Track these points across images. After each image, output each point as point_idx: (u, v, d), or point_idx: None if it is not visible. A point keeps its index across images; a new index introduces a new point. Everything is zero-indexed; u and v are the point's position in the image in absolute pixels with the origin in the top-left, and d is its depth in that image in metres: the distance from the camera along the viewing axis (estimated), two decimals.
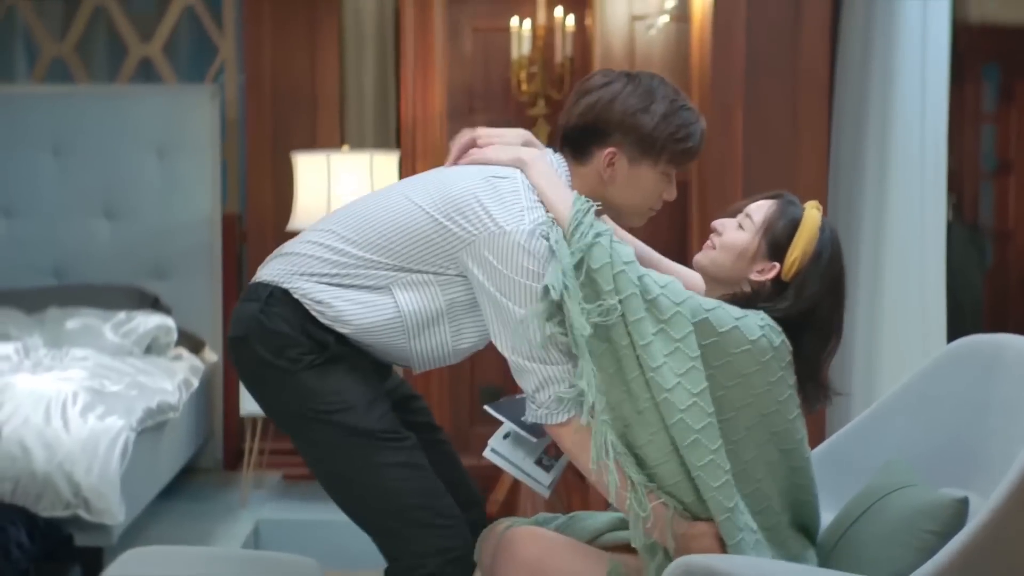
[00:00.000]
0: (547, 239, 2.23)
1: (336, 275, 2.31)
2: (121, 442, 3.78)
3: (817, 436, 4.29)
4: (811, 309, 2.39)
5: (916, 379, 2.97)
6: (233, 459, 5.37)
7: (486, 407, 2.72)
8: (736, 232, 2.41)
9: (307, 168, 4.75)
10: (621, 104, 2.31)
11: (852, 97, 4.44)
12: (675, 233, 4.62)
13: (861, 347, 4.32)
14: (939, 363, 2.93)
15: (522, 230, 2.21)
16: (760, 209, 2.43)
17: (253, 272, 5.19)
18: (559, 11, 5.11)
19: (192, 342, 5.08)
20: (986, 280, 6.64)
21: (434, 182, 2.36)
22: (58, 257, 5.29)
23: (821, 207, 2.46)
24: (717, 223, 2.47)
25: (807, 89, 4.30)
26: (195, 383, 4.72)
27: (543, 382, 2.21)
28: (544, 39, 5.13)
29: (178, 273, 5.27)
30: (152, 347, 4.77)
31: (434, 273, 2.28)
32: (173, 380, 4.49)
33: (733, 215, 2.49)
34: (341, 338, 2.32)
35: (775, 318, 2.35)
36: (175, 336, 4.84)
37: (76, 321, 4.73)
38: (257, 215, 5.36)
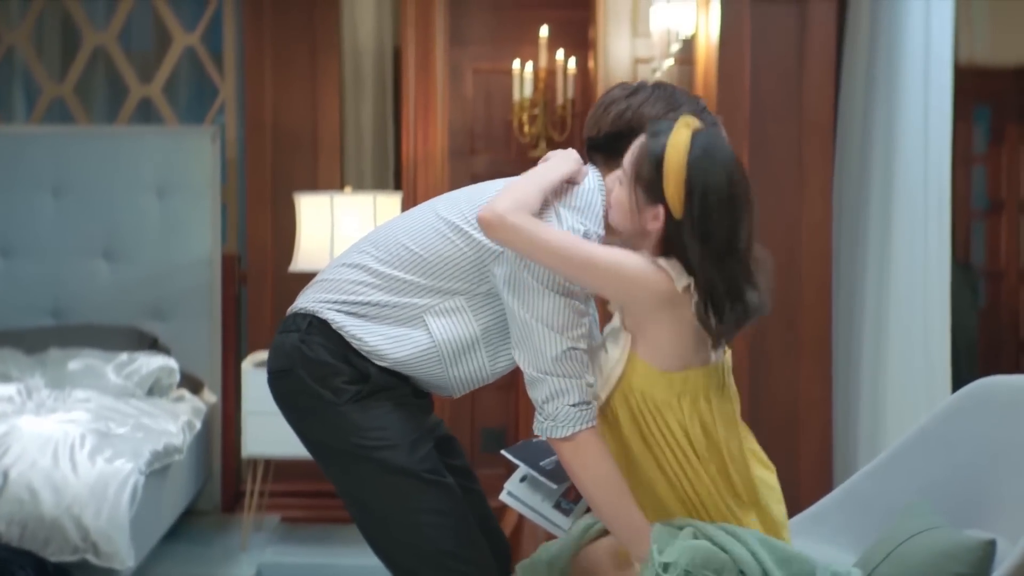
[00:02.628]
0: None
1: (369, 305, 2.31)
2: (130, 485, 3.74)
3: (824, 480, 4.32)
4: (710, 233, 2.16)
5: (934, 420, 2.98)
6: (231, 501, 5.33)
7: (503, 452, 2.71)
8: (618, 188, 2.26)
9: (310, 209, 4.75)
10: (651, 108, 2.29)
11: (855, 140, 4.48)
12: None
13: (867, 388, 4.33)
14: (956, 404, 2.94)
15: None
16: (629, 154, 2.24)
17: (253, 313, 5.27)
18: (560, 54, 5.14)
19: (191, 383, 5.05)
20: (979, 320, 6.68)
21: (464, 196, 2.37)
22: (57, 297, 5.27)
23: (693, 122, 2.19)
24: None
25: (811, 132, 4.35)
26: (198, 425, 4.69)
27: (554, 393, 2.19)
28: (546, 81, 5.16)
29: (177, 314, 5.25)
30: (154, 388, 4.74)
31: (466, 296, 2.28)
32: (177, 422, 4.46)
33: None
34: (382, 368, 2.32)
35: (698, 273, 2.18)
36: (177, 377, 4.82)
37: (78, 362, 4.70)
38: (256, 256, 5.35)
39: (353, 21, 5.34)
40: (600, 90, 4.69)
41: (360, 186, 5.39)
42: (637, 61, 4.65)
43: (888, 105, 4.28)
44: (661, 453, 2.25)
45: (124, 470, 3.77)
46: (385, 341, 2.29)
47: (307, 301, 2.37)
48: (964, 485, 2.82)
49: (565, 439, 2.20)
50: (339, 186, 5.29)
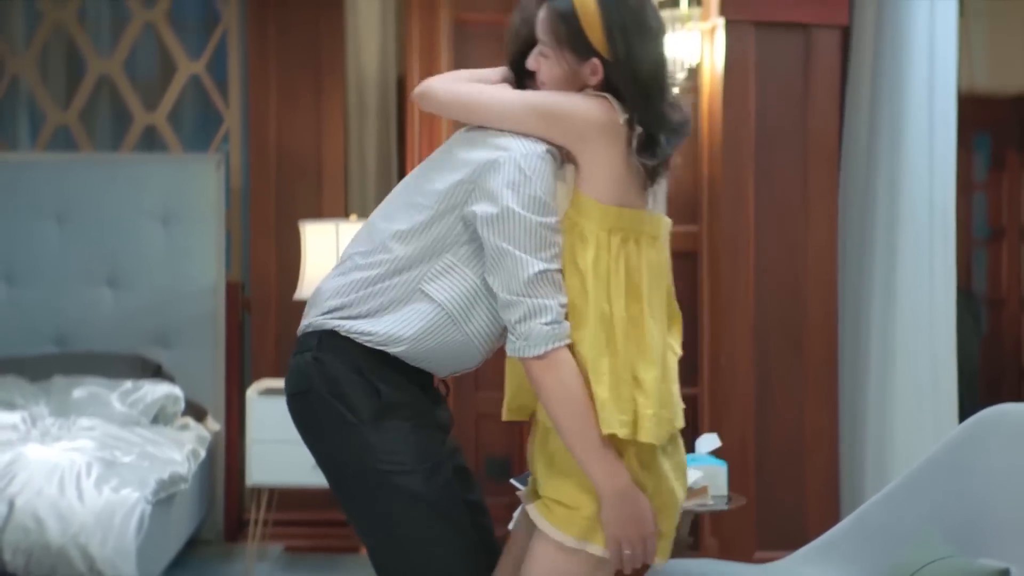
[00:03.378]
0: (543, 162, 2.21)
1: (369, 298, 2.30)
2: (137, 514, 3.73)
3: (830, 508, 4.31)
4: (640, 62, 2.17)
5: (944, 449, 2.98)
6: (234, 530, 5.31)
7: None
8: (545, 66, 2.25)
9: (315, 237, 4.76)
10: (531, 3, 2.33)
11: (860, 166, 4.50)
12: (685, 304, 4.63)
13: (873, 415, 4.34)
14: (966, 433, 2.95)
15: (512, 156, 2.21)
16: (540, 27, 2.24)
17: (256, 341, 5.27)
18: None
19: (195, 411, 5.04)
20: (981, 347, 6.69)
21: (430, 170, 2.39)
22: (60, 325, 5.26)
23: None
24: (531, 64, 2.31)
25: (816, 159, 4.36)
26: (202, 453, 4.68)
27: (528, 314, 2.17)
28: None
29: (181, 341, 5.25)
30: (159, 416, 4.73)
31: (452, 251, 2.27)
32: (182, 450, 4.45)
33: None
34: (395, 383, 2.31)
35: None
36: (182, 405, 4.81)
37: (83, 390, 4.70)
38: (260, 284, 5.35)
39: (357, 50, 5.36)
40: None
41: (364, 214, 5.39)
42: None
43: (893, 132, 4.30)
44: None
45: (131, 499, 3.76)
46: (394, 325, 2.28)
47: (311, 318, 2.37)
48: (975, 513, 2.81)
49: (538, 357, 2.16)
50: (343, 214, 5.30)
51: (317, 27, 5.34)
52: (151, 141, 5.56)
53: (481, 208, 2.21)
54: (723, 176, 4.30)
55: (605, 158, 2.18)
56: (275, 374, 5.28)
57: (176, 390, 4.81)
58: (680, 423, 2.27)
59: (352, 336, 2.29)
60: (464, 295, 2.29)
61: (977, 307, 6.75)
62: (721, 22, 4.30)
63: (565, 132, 2.19)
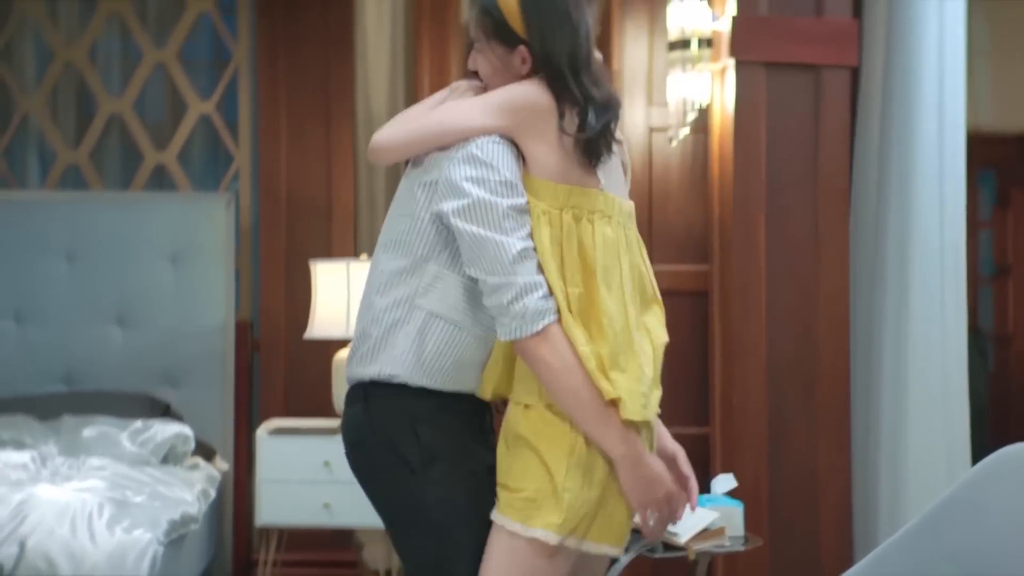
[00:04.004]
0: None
1: (385, 333, 2.32)
2: (149, 555, 3.71)
3: (844, 550, 4.29)
4: (561, 40, 2.27)
5: (961, 488, 2.96)
6: (242, 571, 5.28)
7: None
8: (481, 62, 2.34)
9: (326, 276, 4.76)
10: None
11: (870, 206, 4.51)
12: (697, 345, 4.64)
13: (886, 456, 4.32)
14: (984, 472, 2.93)
15: (467, 148, 2.26)
16: (472, 26, 2.35)
17: (265, 380, 5.26)
18: None
19: (204, 450, 5.03)
20: (989, 384, 6.69)
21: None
22: (69, 363, 5.25)
23: None
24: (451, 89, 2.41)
25: (827, 200, 4.37)
26: (212, 493, 4.66)
27: (521, 292, 2.18)
28: None
29: (189, 381, 5.24)
30: (169, 456, 4.72)
31: (435, 259, 2.28)
32: (192, 491, 4.43)
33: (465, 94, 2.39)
34: (441, 425, 2.30)
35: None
36: (192, 445, 4.79)
37: (92, 429, 4.68)
38: (269, 323, 5.35)
39: (367, 90, 5.39)
40: None
41: (372, 254, 5.39)
42: (652, 130, 4.69)
43: (903, 171, 4.31)
44: None
45: (143, 540, 3.74)
46: (411, 352, 2.29)
47: (351, 368, 2.39)
48: (994, 555, 2.80)
49: (537, 334, 2.18)
50: (353, 253, 5.31)
51: (327, 66, 5.37)
52: (160, 180, 5.57)
53: (449, 204, 2.24)
54: (734, 216, 4.30)
55: (546, 137, 2.25)
56: (284, 414, 5.28)
57: (186, 430, 4.79)
58: (645, 414, 2.24)
59: (386, 381, 2.30)
60: (459, 298, 2.30)
61: (984, 344, 6.76)
62: (731, 63, 4.32)
63: (510, 119, 2.26)
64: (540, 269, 2.23)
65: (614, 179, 2.35)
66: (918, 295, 4.27)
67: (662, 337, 2.36)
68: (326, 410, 5.08)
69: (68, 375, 5.26)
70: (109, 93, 5.54)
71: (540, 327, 2.18)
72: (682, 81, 4.41)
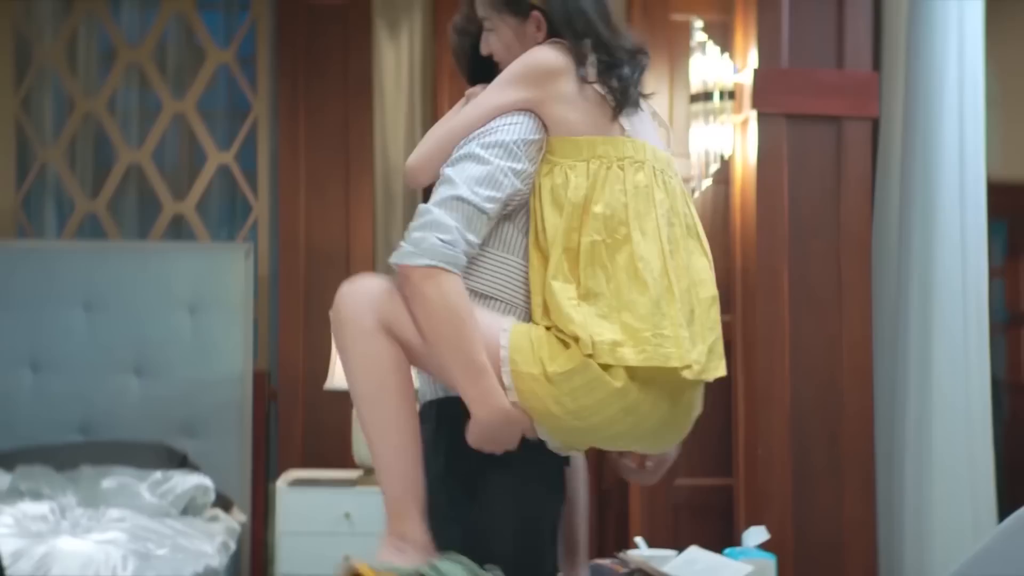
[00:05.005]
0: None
1: None
2: None
3: None
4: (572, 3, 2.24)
5: (997, 539, 2.95)
6: None
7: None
8: (494, 40, 2.29)
9: None
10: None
11: (891, 256, 4.52)
12: (718, 394, 4.63)
13: (910, 507, 4.30)
14: (1020, 523, 2.92)
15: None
16: (478, 5, 2.31)
17: (283, 430, 5.24)
18: None
19: (222, 501, 5.00)
20: (1004, 432, 6.67)
21: None
22: (85, 413, 5.24)
23: None
24: (468, 96, 2.33)
25: (849, 249, 4.38)
26: (232, 546, 4.63)
27: (429, 224, 2.07)
28: None
29: (207, 430, 5.23)
30: (188, 508, 4.69)
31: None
32: (213, 543, 4.41)
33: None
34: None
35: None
36: (212, 496, 4.77)
37: (111, 480, 4.66)
38: (288, 373, 5.35)
39: (384, 140, 5.42)
40: None
41: None
42: None
43: (924, 221, 4.31)
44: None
45: None
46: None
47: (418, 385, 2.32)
48: None
49: (419, 267, 2.05)
50: None
51: (346, 116, 5.40)
52: (179, 230, 5.58)
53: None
54: (757, 266, 4.31)
55: (565, 96, 2.19)
56: (301, 464, 5.26)
57: (206, 481, 4.77)
58: (682, 361, 2.11)
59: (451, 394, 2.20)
60: (503, 274, 2.20)
61: (998, 392, 6.75)
62: (753, 115, 4.34)
63: (529, 85, 2.19)
64: (472, 230, 2.10)
65: (645, 128, 2.28)
66: (941, 344, 4.27)
67: (710, 290, 2.25)
68: (345, 461, 5.06)
69: (85, 424, 5.24)
70: (128, 143, 5.56)
71: (426, 263, 2.05)
72: (704, 133, 4.44)
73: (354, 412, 4.65)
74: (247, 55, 5.61)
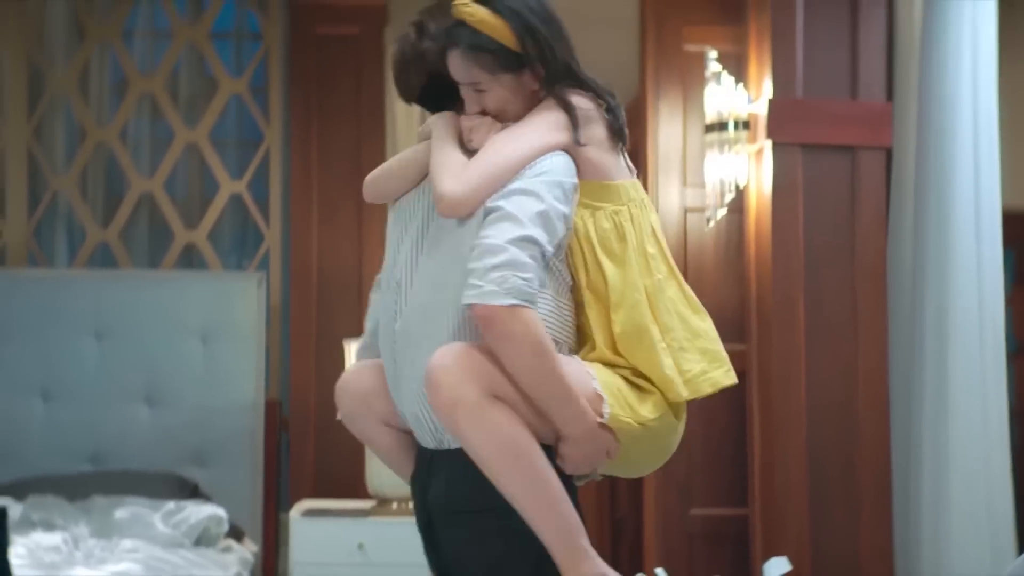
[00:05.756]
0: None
1: None
2: None
3: None
4: (556, 47, 2.27)
5: (1017, 569, 2.95)
6: None
7: None
8: (488, 99, 2.27)
9: None
10: (424, 39, 2.33)
11: (905, 285, 4.52)
12: (733, 424, 4.63)
13: (927, 537, 4.29)
14: None
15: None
16: (461, 69, 2.26)
17: (295, 459, 5.23)
18: None
19: (234, 532, 4.98)
20: (1014, 461, 6.66)
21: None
22: (96, 442, 5.22)
23: (457, 3, 2.25)
24: (469, 128, 2.29)
25: (864, 279, 4.39)
26: None
27: (509, 262, 2.05)
28: None
29: (218, 460, 5.21)
30: (202, 538, 4.67)
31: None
32: (227, 573, 4.39)
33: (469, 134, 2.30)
34: None
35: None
36: (226, 527, 4.75)
37: (124, 511, 4.64)
38: (299, 402, 5.33)
39: None
40: None
41: None
42: (687, 210, 4.72)
43: (939, 250, 4.31)
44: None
45: None
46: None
47: None
48: None
49: (506, 306, 2.03)
50: None
51: (358, 145, 5.41)
52: (190, 259, 5.58)
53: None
54: (773, 296, 4.32)
55: (601, 140, 2.24)
56: (313, 494, 5.24)
57: (220, 511, 4.75)
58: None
59: None
60: (551, 313, 2.21)
61: (1010, 421, 6.73)
62: (768, 144, 4.36)
63: (572, 129, 2.22)
64: (540, 272, 2.13)
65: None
66: (957, 372, 4.26)
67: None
68: (357, 490, 5.04)
69: (95, 454, 5.22)
70: (140, 172, 5.57)
71: (511, 303, 2.05)
72: (719, 162, 4.45)
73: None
74: (259, 84, 5.63)
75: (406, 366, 2.26)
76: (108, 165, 5.62)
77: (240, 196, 5.56)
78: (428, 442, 2.26)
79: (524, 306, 2.06)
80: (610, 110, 2.26)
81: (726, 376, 2.24)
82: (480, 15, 2.21)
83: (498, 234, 2.09)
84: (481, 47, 2.22)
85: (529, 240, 2.09)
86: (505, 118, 2.27)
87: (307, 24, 5.45)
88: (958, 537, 4.23)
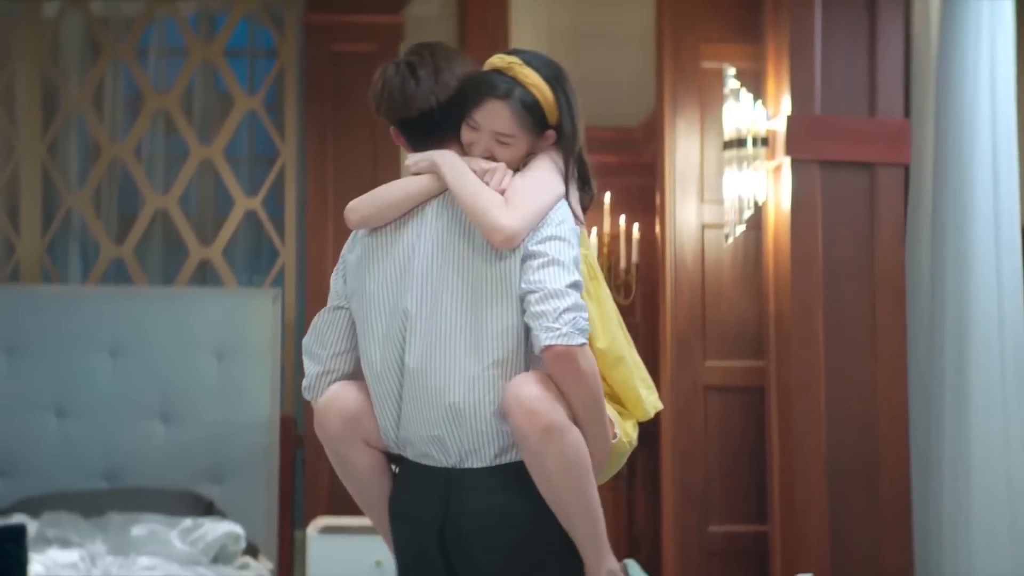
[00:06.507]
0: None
1: None
2: None
3: None
4: (576, 117, 2.43)
5: None
6: None
7: None
8: (507, 151, 2.38)
9: None
10: (449, 75, 2.41)
11: (924, 301, 4.52)
12: (751, 441, 4.63)
13: (948, 555, 4.28)
14: None
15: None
16: (502, 120, 2.37)
17: (309, 476, 5.21)
18: (623, 220, 5.23)
19: (249, 548, 4.96)
20: None
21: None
22: (111, 459, 5.21)
23: (504, 56, 2.39)
24: (483, 171, 2.40)
25: (883, 295, 4.40)
26: None
27: (575, 306, 2.25)
28: (609, 246, 5.23)
29: (232, 477, 5.19)
30: (219, 556, 4.65)
31: None
32: None
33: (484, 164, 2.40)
34: None
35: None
36: (243, 544, 4.73)
37: (141, 528, 4.62)
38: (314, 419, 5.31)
39: None
40: (668, 255, 4.75)
41: None
42: (704, 227, 4.72)
43: (958, 267, 4.31)
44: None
45: None
46: None
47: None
48: None
49: (580, 346, 2.25)
50: None
51: (374, 162, 5.41)
52: (205, 275, 5.58)
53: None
54: (792, 312, 4.32)
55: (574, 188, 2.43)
56: (328, 511, 5.22)
57: (237, 528, 4.73)
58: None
59: None
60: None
61: None
62: (787, 161, 4.37)
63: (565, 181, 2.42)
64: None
65: None
66: (977, 389, 4.26)
67: None
68: None
69: (110, 471, 5.21)
70: (154, 189, 5.57)
71: (582, 343, 2.25)
72: (738, 179, 4.46)
73: None
74: (274, 101, 5.64)
75: (426, 392, 2.34)
76: (122, 182, 5.62)
77: (255, 212, 5.56)
78: (444, 461, 2.35)
79: (586, 344, 2.27)
80: (580, 160, 2.44)
81: (659, 401, 2.49)
82: (534, 79, 2.36)
83: (554, 279, 2.26)
84: (529, 108, 2.36)
85: (578, 284, 2.29)
86: (512, 167, 2.40)
87: (323, 41, 5.46)
88: (980, 553, 4.22)
